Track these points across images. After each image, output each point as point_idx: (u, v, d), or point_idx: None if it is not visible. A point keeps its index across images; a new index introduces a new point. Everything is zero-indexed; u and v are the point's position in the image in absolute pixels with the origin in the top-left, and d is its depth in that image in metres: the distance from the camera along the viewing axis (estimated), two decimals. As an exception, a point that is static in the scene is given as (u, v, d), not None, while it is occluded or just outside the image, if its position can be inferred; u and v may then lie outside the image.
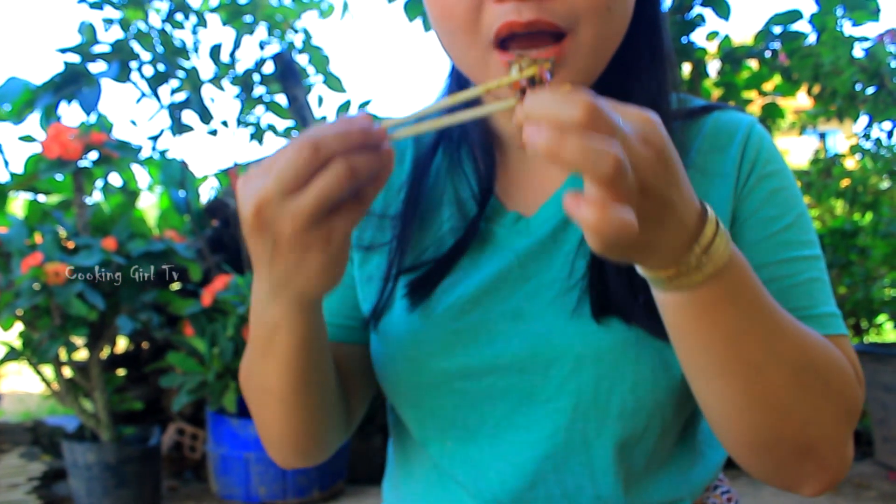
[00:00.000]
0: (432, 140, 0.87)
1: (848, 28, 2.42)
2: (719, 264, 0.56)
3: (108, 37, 3.32)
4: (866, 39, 2.44)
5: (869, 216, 3.31)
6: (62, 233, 2.92)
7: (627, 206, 0.47)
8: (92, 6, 3.25)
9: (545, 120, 0.48)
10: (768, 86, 2.96)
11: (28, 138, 2.96)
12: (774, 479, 0.69)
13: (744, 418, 0.63)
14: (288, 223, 0.55)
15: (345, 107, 3.40)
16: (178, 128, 3.42)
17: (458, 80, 0.88)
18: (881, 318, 3.81)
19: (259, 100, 3.60)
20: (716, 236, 0.56)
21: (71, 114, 8.83)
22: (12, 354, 2.83)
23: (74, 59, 3.14)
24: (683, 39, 2.67)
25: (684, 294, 0.57)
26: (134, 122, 3.68)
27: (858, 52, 2.43)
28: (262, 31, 3.59)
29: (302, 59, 3.66)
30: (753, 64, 2.92)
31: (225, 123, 3.55)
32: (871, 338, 3.96)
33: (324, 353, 0.72)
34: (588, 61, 0.70)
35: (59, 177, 3.15)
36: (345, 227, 0.58)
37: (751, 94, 2.97)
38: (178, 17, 3.40)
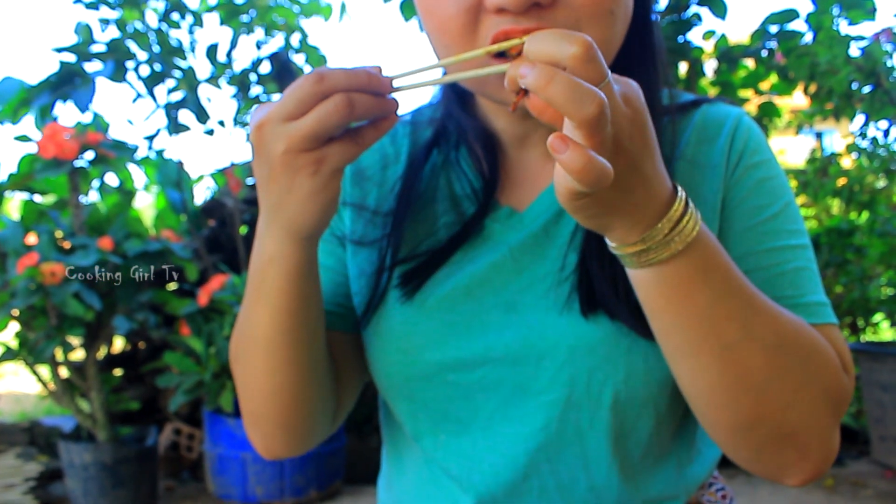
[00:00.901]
0: (428, 139, 0.87)
1: (844, 27, 2.42)
2: (688, 240, 0.58)
3: (105, 36, 3.31)
4: (862, 38, 2.44)
5: (865, 215, 3.32)
6: (58, 233, 2.91)
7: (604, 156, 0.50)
8: (88, 6, 3.24)
9: (543, 56, 0.50)
10: (765, 85, 2.97)
11: (24, 138, 2.95)
12: (756, 465, 0.69)
13: (720, 399, 0.64)
14: (283, 143, 0.59)
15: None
16: (175, 127, 3.42)
17: (451, 84, 0.88)
18: (878, 316, 3.81)
19: (256, 99, 3.59)
20: (685, 215, 0.58)
21: (67, 114, 8.80)
22: (8, 354, 2.83)
23: (70, 58, 3.13)
24: (680, 38, 2.67)
25: (654, 271, 0.59)
26: (130, 122, 3.66)
27: (854, 51, 2.43)
28: (259, 30, 3.59)
29: (299, 59, 3.66)
30: (750, 63, 2.92)
31: (221, 123, 3.55)
32: (867, 337, 3.97)
33: (313, 301, 0.72)
34: None
35: (55, 176, 3.14)
36: (337, 157, 0.61)
37: (747, 93, 2.97)
38: (175, 16, 3.39)
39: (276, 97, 3.49)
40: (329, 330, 0.84)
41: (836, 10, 2.39)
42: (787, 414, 0.65)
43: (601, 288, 0.71)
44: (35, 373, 2.88)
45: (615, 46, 0.72)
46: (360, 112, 0.59)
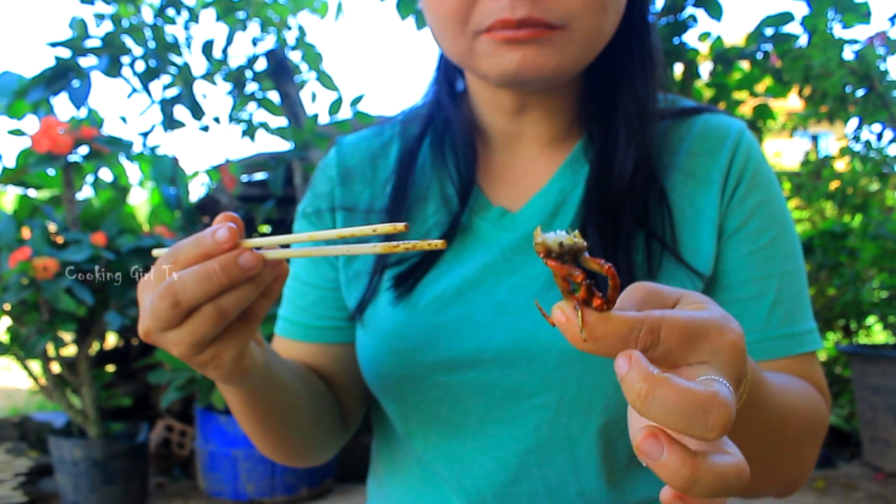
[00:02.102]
0: (417, 133, 0.87)
1: (838, 30, 2.43)
2: (743, 398, 0.53)
3: (100, 31, 3.30)
4: (856, 42, 2.45)
5: (858, 218, 3.33)
6: (52, 228, 2.90)
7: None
8: (83, 1, 3.23)
9: (677, 430, 0.40)
10: (760, 87, 2.97)
11: (17, 132, 2.94)
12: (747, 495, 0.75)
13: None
14: (174, 350, 0.57)
15: (336, 105, 3.39)
16: (170, 123, 3.40)
17: (445, 74, 0.88)
18: (870, 319, 3.82)
19: (251, 96, 3.58)
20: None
21: (63, 108, 8.78)
22: (0, 349, 2.82)
23: (65, 53, 3.12)
24: (675, 40, 2.67)
25: None
26: (124, 119, 3.64)
27: (848, 54, 2.44)
28: (254, 27, 3.58)
29: (295, 56, 3.65)
30: (745, 65, 2.93)
31: (217, 119, 3.54)
32: (860, 339, 3.98)
33: (283, 393, 0.74)
34: (579, 52, 0.71)
35: (50, 171, 3.13)
36: (232, 349, 0.58)
37: (742, 95, 2.97)
38: (171, 12, 3.38)
39: (272, 95, 3.48)
40: (329, 344, 0.86)
41: (830, 14, 2.40)
42: (795, 472, 0.72)
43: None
44: (26, 368, 2.88)
45: (605, 38, 0.73)
46: (234, 313, 0.55)
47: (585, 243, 0.43)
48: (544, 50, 0.69)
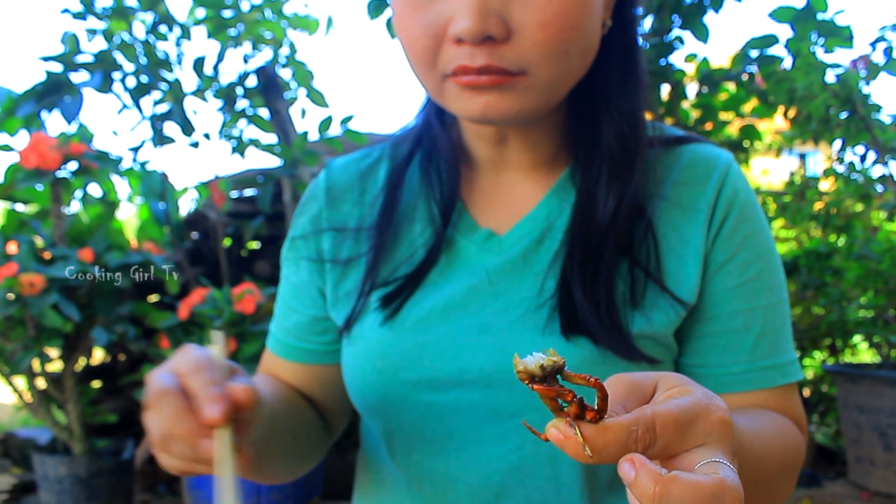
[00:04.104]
0: (406, 152, 0.88)
1: (821, 54, 2.46)
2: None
3: (92, 47, 3.31)
4: (839, 66, 2.48)
5: (843, 238, 3.35)
6: (39, 243, 2.89)
7: None
8: (75, 16, 3.24)
9: None
10: (746, 108, 3.00)
11: (5, 147, 2.94)
12: None
13: None
14: (176, 470, 0.61)
15: (326, 122, 3.40)
16: (160, 139, 3.41)
17: (433, 105, 0.89)
18: (856, 338, 3.84)
19: (242, 113, 3.59)
20: None
21: (54, 124, 8.77)
22: (-16, 365, 2.79)
23: (57, 68, 3.13)
24: (662, 61, 2.70)
25: None
26: (115, 133, 3.64)
27: (831, 77, 2.47)
28: (246, 44, 3.59)
29: (285, 74, 3.67)
30: (731, 86, 2.96)
31: (207, 136, 3.54)
32: (846, 358, 4.00)
33: (275, 438, 0.75)
34: (541, 96, 0.72)
35: (39, 187, 3.12)
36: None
37: (728, 116, 3.01)
38: (163, 28, 3.39)
39: (263, 111, 3.49)
40: (316, 365, 0.88)
41: (814, 37, 2.43)
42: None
43: (583, 312, 0.73)
44: (11, 384, 2.85)
45: (572, 80, 0.73)
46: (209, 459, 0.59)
47: (564, 359, 0.45)
48: (506, 96, 0.69)
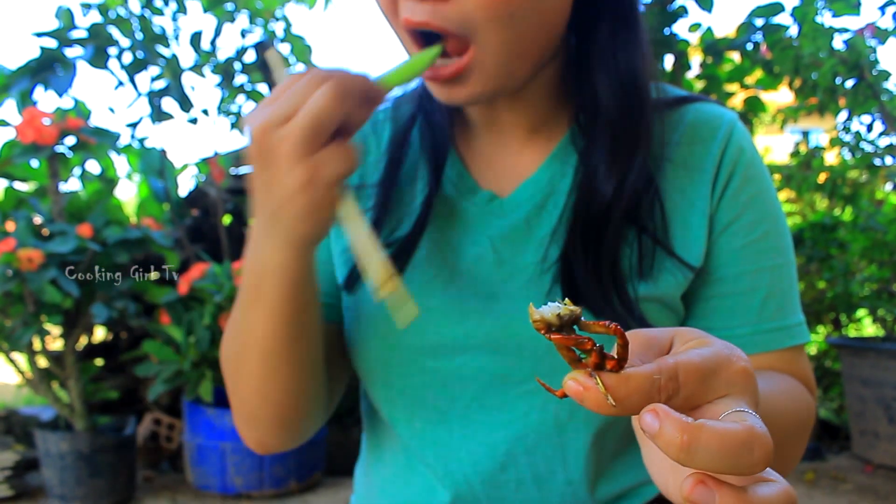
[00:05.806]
0: (409, 114, 0.87)
1: (828, 20, 2.43)
2: None
3: (86, 22, 3.27)
4: (846, 31, 2.45)
5: (849, 210, 3.33)
6: (37, 220, 2.87)
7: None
8: (70, -10, 3.20)
9: (723, 472, 0.39)
10: (750, 79, 2.97)
11: (2, 123, 2.91)
12: None
13: None
14: (282, 146, 0.59)
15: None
16: (158, 116, 3.38)
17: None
18: (860, 312, 3.84)
19: (240, 88, 3.56)
20: None
21: (48, 99, 8.75)
22: (-15, 342, 2.79)
23: (51, 43, 3.09)
24: (666, 31, 2.67)
25: None
26: (112, 110, 3.62)
27: (838, 43, 2.44)
28: (243, 19, 3.56)
29: (284, 49, 3.63)
30: (736, 56, 2.92)
31: (205, 112, 3.52)
32: (850, 332, 3.99)
33: (311, 307, 0.71)
34: (499, 69, 0.69)
35: (35, 163, 3.10)
36: (330, 167, 0.60)
37: (733, 87, 2.97)
38: (158, 3, 3.36)
39: (262, 87, 3.47)
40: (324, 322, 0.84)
41: (820, 3, 2.40)
42: (782, 470, 0.72)
43: (585, 282, 0.72)
44: (12, 361, 2.85)
45: (529, 48, 0.70)
46: (350, 102, 0.59)
47: (580, 309, 0.42)
48: (463, 86, 0.69)
